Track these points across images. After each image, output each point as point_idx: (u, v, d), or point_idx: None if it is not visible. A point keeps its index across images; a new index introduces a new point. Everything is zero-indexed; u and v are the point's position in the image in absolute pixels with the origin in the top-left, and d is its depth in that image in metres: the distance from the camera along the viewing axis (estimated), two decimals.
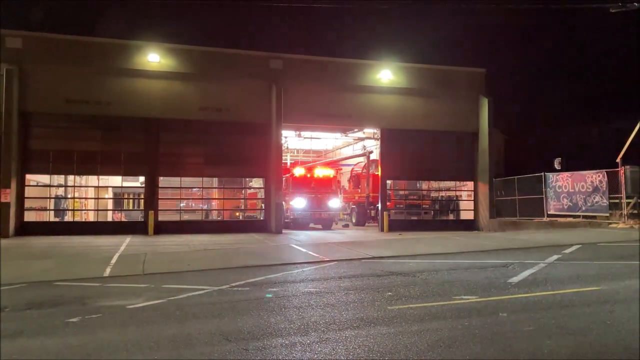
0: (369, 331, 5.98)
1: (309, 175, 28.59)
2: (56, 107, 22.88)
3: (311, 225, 28.70)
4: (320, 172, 29.14)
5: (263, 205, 26.05)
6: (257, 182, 27.67)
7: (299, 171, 28.87)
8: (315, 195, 27.53)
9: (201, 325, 6.43)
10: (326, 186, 28.43)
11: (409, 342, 5.48)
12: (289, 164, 31.81)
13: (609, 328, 5.93)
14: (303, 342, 5.57)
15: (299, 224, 27.69)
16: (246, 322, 6.53)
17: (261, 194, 26.59)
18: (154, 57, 24.00)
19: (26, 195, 23.07)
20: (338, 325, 6.25)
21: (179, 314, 7.07)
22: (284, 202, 27.05)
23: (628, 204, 20.38)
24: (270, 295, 7.56)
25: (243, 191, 28.95)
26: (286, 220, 27.22)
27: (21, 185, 22.71)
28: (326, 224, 28.13)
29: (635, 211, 20.36)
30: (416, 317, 6.63)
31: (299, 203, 27.28)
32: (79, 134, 23.74)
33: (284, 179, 27.85)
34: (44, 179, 24.61)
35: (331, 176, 29.42)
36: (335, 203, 28.29)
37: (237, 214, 28.38)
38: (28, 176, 23.28)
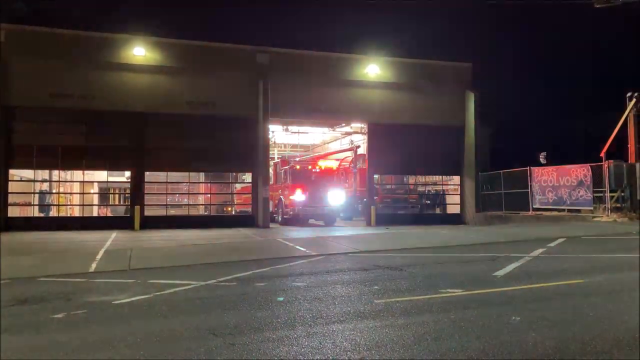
0: (356, 325, 5.99)
1: (310, 167, 27.12)
2: (40, 101, 22.60)
3: (311, 221, 27.06)
4: (322, 163, 27.68)
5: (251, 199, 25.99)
6: (247, 177, 27.49)
7: (299, 163, 27.26)
8: (316, 189, 25.68)
9: (188, 321, 6.40)
10: (328, 179, 26.92)
11: (395, 336, 5.50)
12: (276, 158, 31.63)
13: (593, 320, 6.00)
14: (290, 337, 5.57)
15: (299, 220, 25.97)
16: (233, 317, 6.52)
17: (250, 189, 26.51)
18: (139, 51, 23.80)
19: (10, 191, 22.79)
20: (325, 319, 6.26)
21: (165, 310, 7.03)
22: (282, 197, 26.24)
23: (612, 197, 20.65)
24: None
25: (230, 186, 28.83)
26: (285, 216, 26.08)
27: (4, 181, 22.44)
28: (328, 219, 26.45)
29: (619, 205, 20.64)
30: (403, 310, 6.66)
31: (299, 197, 25.52)
32: (64, 129, 23.47)
33: (282, 171, 26.95)
34: (28, 174, 24.33)
35: (334, 168, 27.81)
36: (338, 197, 26.48)
37: (228, 208, 28.16)
38: (12, 171, 23.03)
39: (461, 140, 28.50)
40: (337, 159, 33.28)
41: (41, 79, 22.66)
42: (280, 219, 26.52)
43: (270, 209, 26.98)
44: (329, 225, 25.89)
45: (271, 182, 27.39)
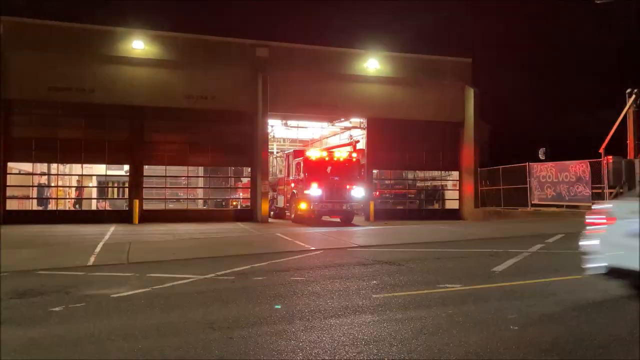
0: (353, 319, 6.01)
1: (326, 159, 24.05)
2: (39, 94, 22.54)
3: (324, 218, 24.48)
4: (340, 154, 24.86)
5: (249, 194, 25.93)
6: (246, 171, 27.22)
7: (314, 153, 24.47)
8: (334, 183, 23.14)
9: (186, 314, 6.41)
10: (347, 171, 23.89)
11: (393, 330, 5.52)
12: (275, 152, 31.53)
13: (590, 315, 6.02)
14: (288, 331, 5.58)
15: (315, 217, 23.34)
16: (231, 310, 6.53)
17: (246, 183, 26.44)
18: (138, 44, 23.71)
19: (8, 184, 22.77)
20: (323, 314, 6.27)
21: (164, 303, 7.04)
22: (295, 191, 24.08)
23: (610, 194, 20.66)
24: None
25: (229, 180, 28.76)
26: (299, 213, 23.57)
27: (3, 174, 22.40)
28: (346, 216, 23.98)
29: None
30: (401, 305, 6.68)
31: (314, 192, 22.81)
32: (62, 122, 23.46)
33: (294, 163, 24.50)
34: (27, 167, 24.30)
35: (353, 159, 24.69)
36: (357, 192, 23.71)
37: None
38: (10, 164, 22.98)
39: (460, 135, 28.50)
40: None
41: (40, 72, 22.59)
42: (293, 215, 24.35)
43: (282, 205, 26.03)
44: (346, 223, 23.47)
45: (282, 175, 26.41)
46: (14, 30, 22.34)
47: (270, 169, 27.92)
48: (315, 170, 23.25)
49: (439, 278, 8.49)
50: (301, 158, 24.06)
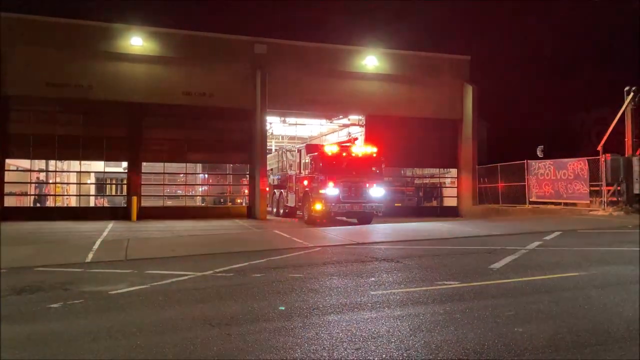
0: (352, 316, 6.02)
1: (344, 154, 21.78)
2: (36, 90, 22.50)
3: (338, 218, 22.51)
4: (359, 149, 22.49)
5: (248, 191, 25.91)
6: (245, 168, 27.09)
7: (330, 148, 22.23)
8: (353, 181, 21.10)
9: (184, 311, 6.42)
10: (367, 168, 21.72)
11: (391, 327, 5.53)
12: (273, 150, 31.49)
13: (587, 313, 6.04)
14: (286, 327, 5.59)
15: (331, 218, 21.51)
16: (229, 307, 6.54)
17: (247, 180, 26.43)
18: (136, 41, 23.69)
19: (6, 180, 22.74)
20: (321, 311, 6.28)
21: (162, 300, 7.05)
22: (308, 190, 22.06)
23: (608, 191, 20.69)
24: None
25: (227, 177, 28.74)
26: (314, 214, 21.46)
27: (1, 170, 22.37)
28: (365, 217, 21.74)
29: (615, 199, 20.69)
30: (399, 302, 6.69)
31: (331, 191, 20.72)
32: (60, 118, 23.45)
33: (308, 158, 22.52)
34: (25, 163, 24.27)
35: (374, 155, 22.16)
36: (378, 191, 21.54)
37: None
38: (8, 161, 22.98)
39: (459, 132, 28.53)
40: None
41: (38, 68, 22.55)
42: (306, 217, 22.14)
43: (293, 204, 24.32)
44: (364, 223, 21.15)
45: (293, 171, 24.77)
46: (11, 26, 22.27)
47: (279, 165, 27.74)
48: (332, 166, 21.19)
49: (436, 275, 8.51)
50: (316, 153, 22.10)
